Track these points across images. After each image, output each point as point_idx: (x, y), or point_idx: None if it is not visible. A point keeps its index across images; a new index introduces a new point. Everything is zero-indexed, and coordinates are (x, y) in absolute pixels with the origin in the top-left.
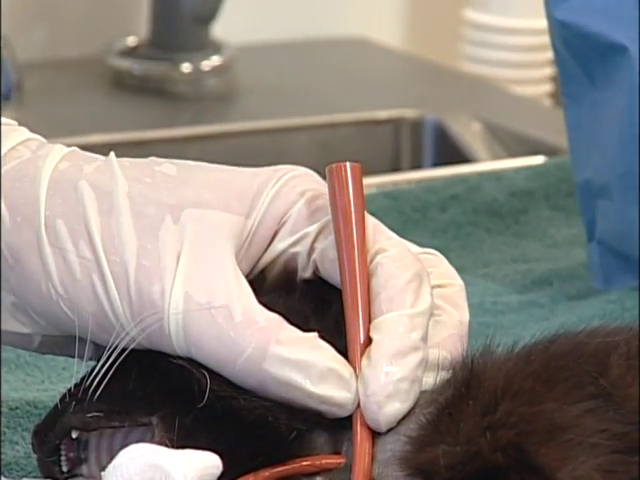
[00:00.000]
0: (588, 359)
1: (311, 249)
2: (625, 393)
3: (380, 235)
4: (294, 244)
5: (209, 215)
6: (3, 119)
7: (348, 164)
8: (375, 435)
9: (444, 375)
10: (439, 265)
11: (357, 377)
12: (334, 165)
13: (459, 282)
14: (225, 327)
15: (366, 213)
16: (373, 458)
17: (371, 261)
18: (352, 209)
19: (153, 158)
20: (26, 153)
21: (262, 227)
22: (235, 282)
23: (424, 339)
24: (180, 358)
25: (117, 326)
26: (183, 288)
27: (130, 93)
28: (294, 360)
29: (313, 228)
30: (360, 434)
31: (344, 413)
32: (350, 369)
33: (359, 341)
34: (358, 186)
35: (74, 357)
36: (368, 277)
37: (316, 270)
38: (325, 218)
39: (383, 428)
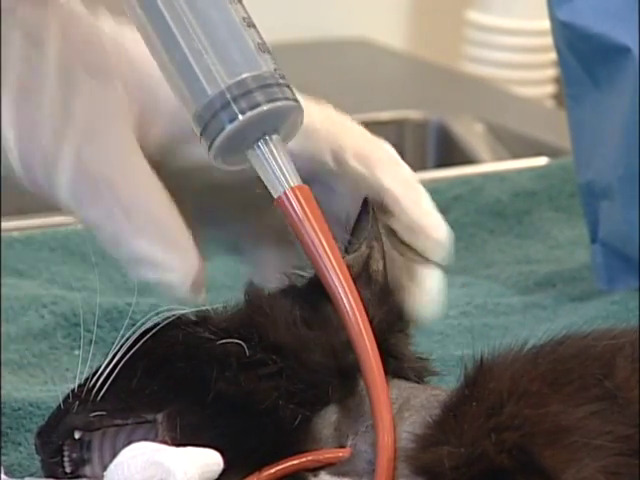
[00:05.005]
0: (594, 361)
1: None
2: (630, 395)
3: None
4: None
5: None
6: None
7: (290, 189)
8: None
9: None
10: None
11: None
12: (279, 195)
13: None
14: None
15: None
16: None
17: None
18: (318, 231)
19: None
20: None
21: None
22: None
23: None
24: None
25: None
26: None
27: None
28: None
29: None
30: (380, 405)
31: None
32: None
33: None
34: (312, 205)
35: None
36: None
37: None
38: None
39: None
